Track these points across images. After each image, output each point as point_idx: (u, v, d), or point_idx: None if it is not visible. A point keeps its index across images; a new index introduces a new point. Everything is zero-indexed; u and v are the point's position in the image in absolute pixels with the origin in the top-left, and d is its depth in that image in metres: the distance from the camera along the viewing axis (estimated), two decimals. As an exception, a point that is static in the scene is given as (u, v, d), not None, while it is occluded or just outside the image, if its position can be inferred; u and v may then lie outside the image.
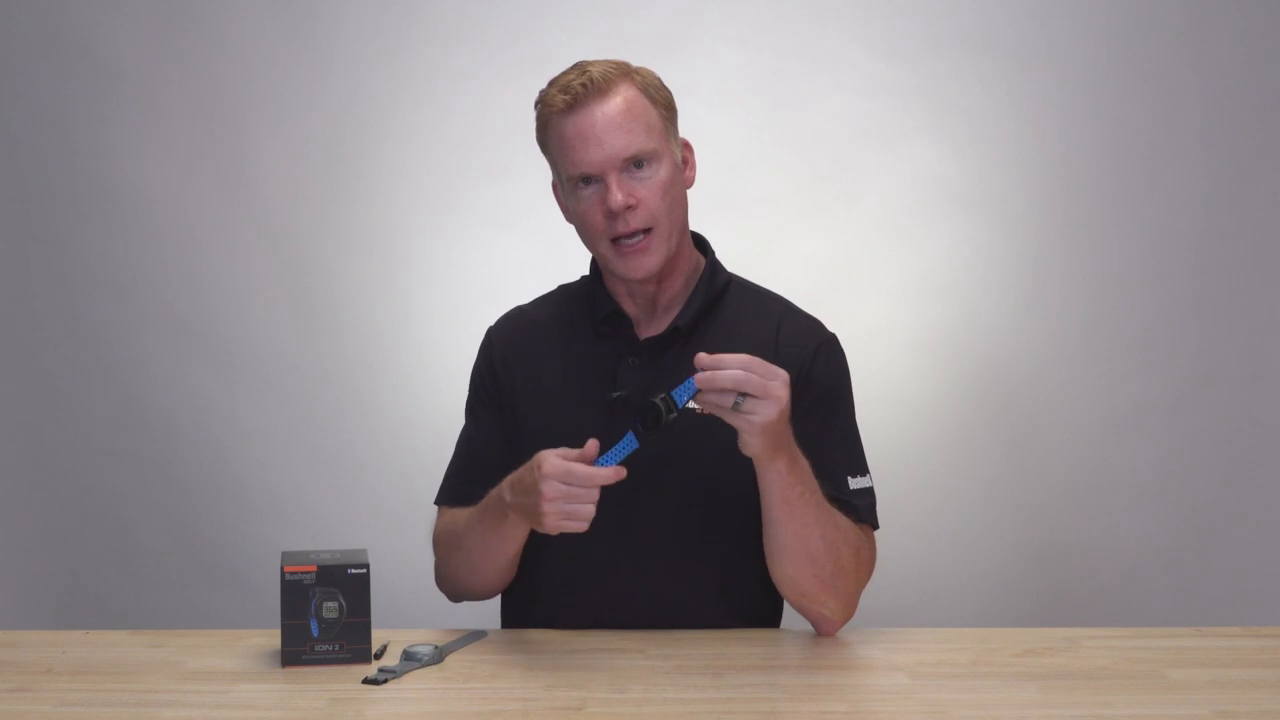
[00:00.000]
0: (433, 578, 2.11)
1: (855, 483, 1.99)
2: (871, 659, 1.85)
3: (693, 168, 2.04)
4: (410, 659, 1.79)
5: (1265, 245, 2.95)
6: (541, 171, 2.08)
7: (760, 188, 2.98)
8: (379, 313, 3.05)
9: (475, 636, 1.91)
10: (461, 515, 2.03)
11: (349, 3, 3.02)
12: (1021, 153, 2.97)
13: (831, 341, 2.06)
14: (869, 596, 2.01)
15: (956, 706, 1.65)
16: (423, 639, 1.88)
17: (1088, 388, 2.98)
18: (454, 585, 2.07)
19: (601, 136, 1.92)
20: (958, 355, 2.98)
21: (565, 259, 2.16)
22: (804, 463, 1.87)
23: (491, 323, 2.17)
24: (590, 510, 1.79)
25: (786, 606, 2.07)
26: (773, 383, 1.75)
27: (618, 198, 1.91)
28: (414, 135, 3.02)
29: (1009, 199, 2.98)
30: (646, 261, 1.95)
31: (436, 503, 2.13)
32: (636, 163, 1.93)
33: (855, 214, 2.99)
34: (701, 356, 1.77)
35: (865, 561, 1.97)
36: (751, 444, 1.79)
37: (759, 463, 1.84)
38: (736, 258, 2.17)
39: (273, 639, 1.84)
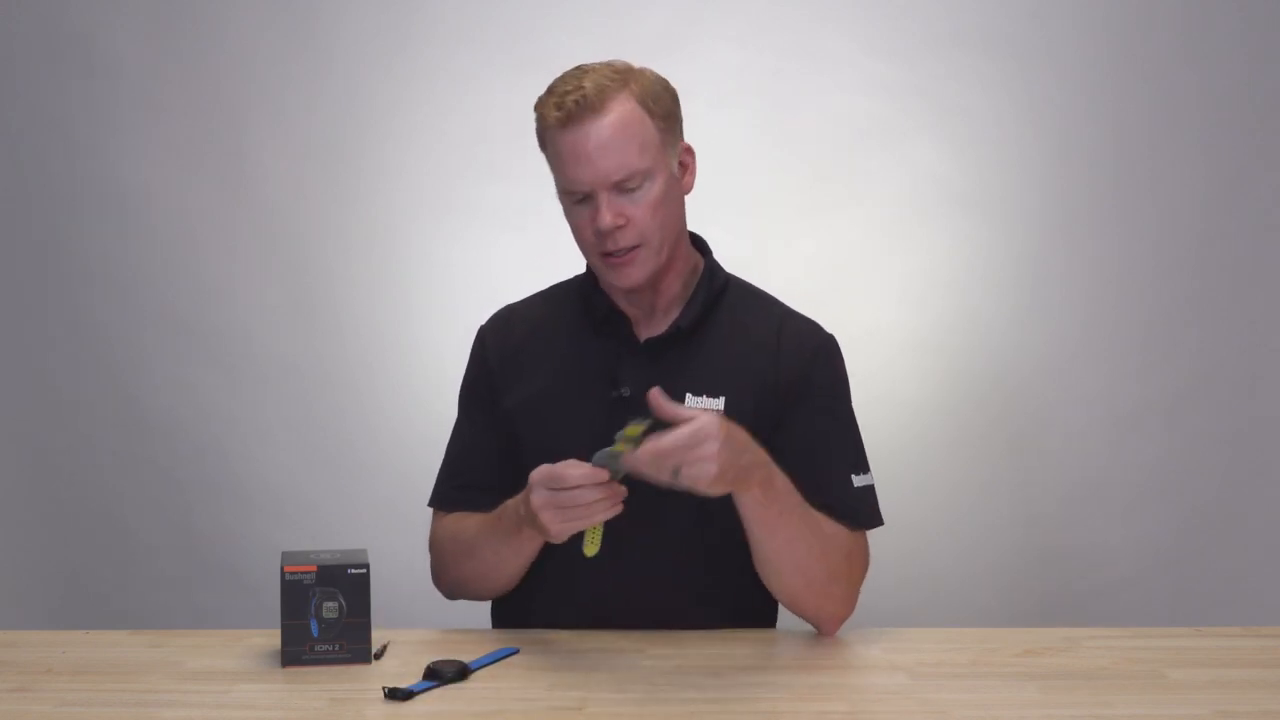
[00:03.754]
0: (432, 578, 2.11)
1: (859, 480, 2.00)
2: (871, 659, 1.85)
3: (692, 173, 2.02)
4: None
5: (1265, 245, 2.95)
6: (542, 172, 2.08)
7: (760, 188, 2.98)
8: (379, 313, 3.05)
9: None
10: (470, 522, 2.02)
11: (349, 3, 3.02)
12: (1021, 153, 2.97)
13: (830, 342, 2.07)
14: (869, 596, 2.01)
15: (956, 706, 1.65)
16: (424, 638, 1.87)
17: (1088, 388, 2.98)
18: (460, 588, 2.07)
19: (593, 157, 1.90)
20: (958, 355, 2.98)
21: (566, 258, 2.16)
22: (781, 480, 1.86)
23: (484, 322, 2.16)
24: (586, 507, 1.78)
25: (781, 608, 2.06)
26: (701, 447, 1.73)
27: (606, 219, 1.91)
28: (414, 135, 3.02)
29: (1009, 199, 2.97)
30: (633, 273, 1.95)
31: (432, 505, 2.12)
32: (628, 182, 1.92)
33: (855, 214, 2.99)
34: (655, 394, 1.76)
35: (858, 563, 1.98)
36: (710, 494, 1.78)
37: (733, 496, 1.84)
38: (736, 258, 2.16)
39: (273, 639, 1.84)
